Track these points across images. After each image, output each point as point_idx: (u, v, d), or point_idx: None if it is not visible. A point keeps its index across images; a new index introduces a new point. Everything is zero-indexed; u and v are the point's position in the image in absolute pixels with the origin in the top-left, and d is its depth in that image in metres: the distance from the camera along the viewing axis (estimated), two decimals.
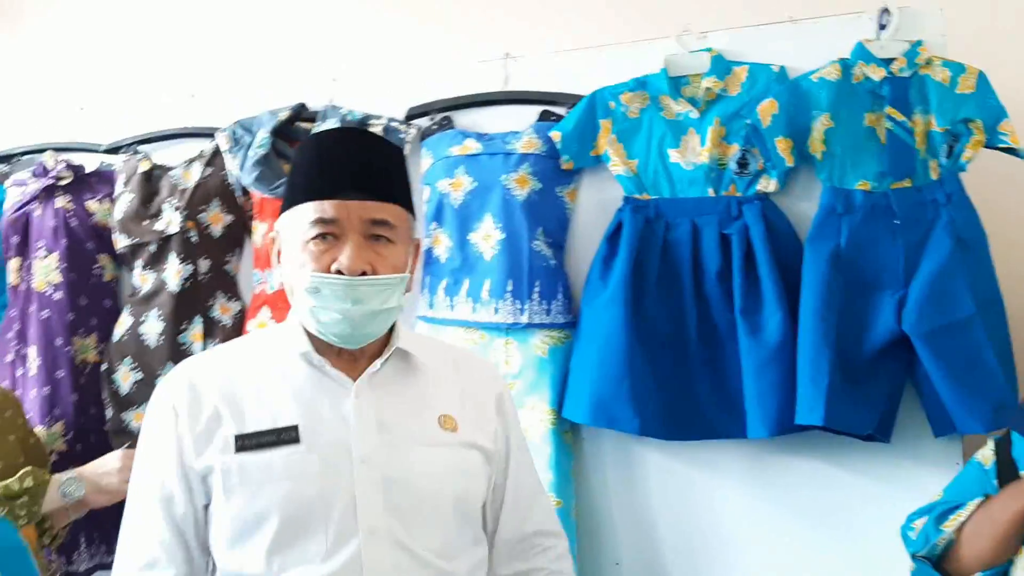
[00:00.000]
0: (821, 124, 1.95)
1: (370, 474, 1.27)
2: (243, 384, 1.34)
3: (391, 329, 1.39)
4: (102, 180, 2.72)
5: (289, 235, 1.32)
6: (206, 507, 1.30)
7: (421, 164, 2.31)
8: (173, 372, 1.38)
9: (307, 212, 1.28)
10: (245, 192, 2.52)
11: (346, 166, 1.29)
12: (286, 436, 1.28)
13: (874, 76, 1.91)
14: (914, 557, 1.58)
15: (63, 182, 2.67)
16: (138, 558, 1.29)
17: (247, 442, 1.27)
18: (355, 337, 1.31)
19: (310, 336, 1.35)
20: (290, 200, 1.32)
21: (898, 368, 1.91)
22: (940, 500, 1.62)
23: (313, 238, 1.28)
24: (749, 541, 2.07)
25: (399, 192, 1.33)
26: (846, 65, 1.94)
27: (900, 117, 1.90)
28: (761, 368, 1.95)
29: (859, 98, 1.93)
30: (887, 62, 1.93)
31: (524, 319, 2.12)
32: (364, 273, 1.26)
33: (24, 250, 2.71)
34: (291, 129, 2.44)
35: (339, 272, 1.26)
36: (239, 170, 2.43)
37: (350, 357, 1.35)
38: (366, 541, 1.24)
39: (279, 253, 1.37)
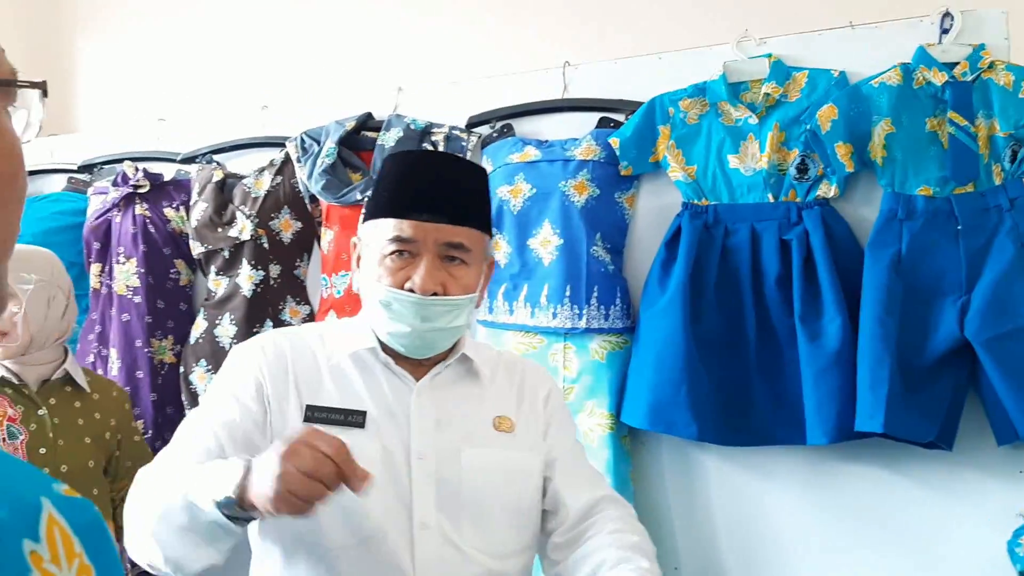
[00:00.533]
0: (882, 129, 1.93)
1: (425, 470, 1.31)
2: (319, 361, 1.38)
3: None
4: (179, 188, 2.83)
5: (369, 245, 1.37)
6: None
7: None
8: (261, 335, 1.42)
9: (387, 228, 1.33)
10: (313, 199, 2.59)
11: (428, 188, 1.33)
12: (353, 419, 1.31)
13: (936, 80, 1.90)
14: None
15: (142, 190, 2.78)
16: (181, 450, 1.30)
17: (316, 414, 1.31)
18: (421, 350, 1.36)
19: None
20: (373, 211, 1.37)
21: (960, 375, 1.89)
22: None
23: (390, 254, 1.32)
24: (808, 548, 2.06)
25: (477, 215, 1.36)
26: (907, 70, 1.93)
27: (962, 122, 1.88)
28: (820, 375, 1.95)
29: (921, 103, 1.92)
30: (949, 66, 1.91)
31: (582, 324, 2.15)
32: (435, 293, 1.30)
33: (105, 256, 2.83)
34: (357, 138, 2.51)
35: (411, 290, 1.30)
36: (307, 178, 2.50)
37: (415, 359, 1.39)
38: (419, 535, 1.27)
39: (359, 259, 1.41)
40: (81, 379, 2.05)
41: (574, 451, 1.48)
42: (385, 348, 1.38)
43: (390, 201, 1.35)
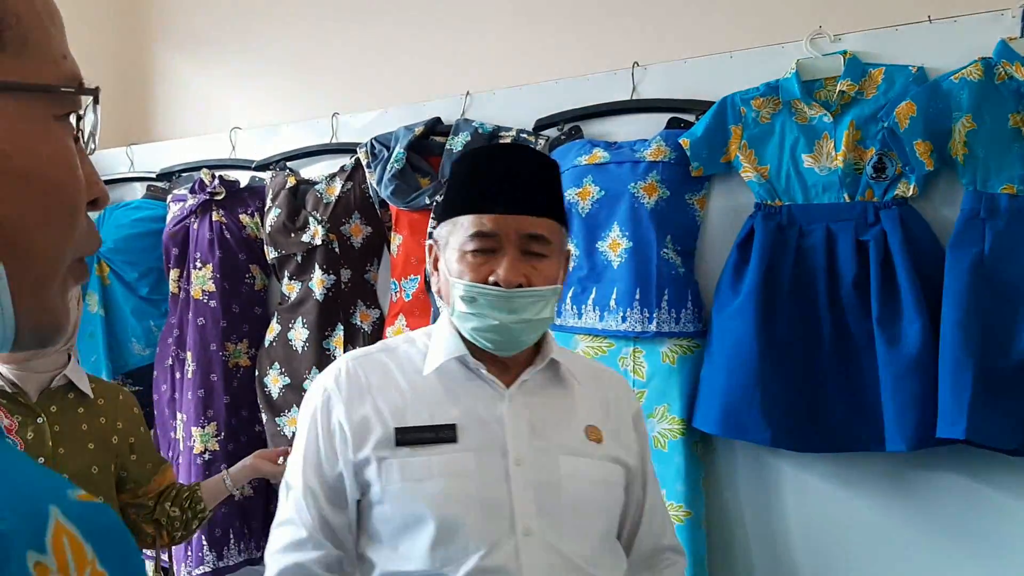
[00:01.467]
0: (963, 126, 1.87)
1: (524, 476, 1.31)
2: (401, 380, 1.38)
3: (541, 338, 1.42)
4: (253, 195, 2.88)
5: (447, 244, 1.37)
6: (359, 501, 1.35)
7: None
8: (333, 365, 1.43)
9: (466, 224, 1.33)
10: (383, 204, 2.61)
11: (505, 182, 1.33)
12: (444, 434, 1.31)
13: (1019, 75, 1.82)
14: None
15: (218, 197, 2.84)
16: (285, 539, 1.35)
17: (407, 436, 1.31)
18: (508, 345, 1.36)
19: (464, 340, 1.39)
20: (448, 211, 1.38)
21: None
22: None
23: (472, 250, 1.33)
24: (887, 559, 2.00)
25: (554, 206, 1.37)
26: (988, 64, 1.86)
27: None
28: (900, 379, 1.89)
29: (1003, 98, 1.85)
30: None
31: (652, 327, 2.12)
32: (520, 285, 1.31)
33: (183, 261, 2.90)
34: (426, 143, 2.53)
35: (496, 284, 1.30)
36: (377, 183, 2.53)
37: (502, 364, 1.39)
38: (523, 542, 1.27)
39: (435, 261, 1.42)
40: (84, 384, 2.00)
41: (655, 485, 1.50)
42: (473, 354, 1.38)
43: (467, 198, 1.35)
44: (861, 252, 1.97)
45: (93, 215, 0.66)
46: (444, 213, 1.39)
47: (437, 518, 1.27)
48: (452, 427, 1.32)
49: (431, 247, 1.43)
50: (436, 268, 1.42)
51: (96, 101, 0.62)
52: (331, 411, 1.36)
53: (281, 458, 2.27)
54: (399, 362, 1.41)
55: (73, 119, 0.61)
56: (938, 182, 1.96)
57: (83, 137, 0.62)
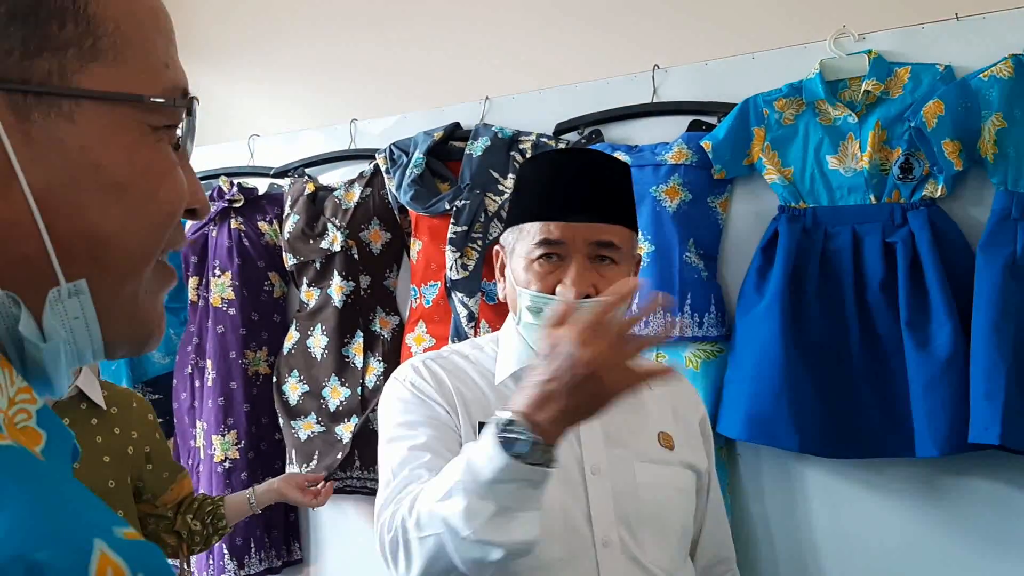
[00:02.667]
0: (993, 124, 1.83)
1: (602, 485, 1.27)
2: (473, 388, 1.35)
3: None
4: (272, 202, 2.88)
5: (513, 251, 1.33)
6: None
7: None
8: (411, 360, 1.40)
9: (533, 231, 1.30)
10: (403, 210, 2.60)
11: (574, 188, 1.30)
12: None
13: None
14: None
15: (237, 205, 2.83)
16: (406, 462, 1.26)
17: None
18: None
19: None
20: (516, 217, 1.34)
21: None
22: None
23: (538, 258, 1.29)
24: (917, 566, 1.96)
25: (625, 212, 1.33)
26: (1019, 61, 1.82)
27: None
28: (930, 383, 1.85)
29: None
30: None
31: (675, 332, 2.09)
32: (587, 295, 1.25)
33: (202, 269, 2.90)
34: (445, 148, 2.51)
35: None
36: (396, 189, 2.51)
37: None
38: (602, 553, 1.24)
39: (502, 267, 1.38)
40: (97, 395, 1.94)
41: (717, 492, 1.47)
42: None
43: (536, 204, 1.32)
44: (888, 254, 1.95)
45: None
46: (511, 219, 1.36)
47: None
48: None
49: (498, 253, 1.40)
50: (503, 275, 1.38)
51: (189, 112, 0.60)
52: (427, 389, 1.32)
53: (309, 484, 2.25)
54: (472, 365, 1.38)
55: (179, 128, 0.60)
56: (967, 182, 1.92)
57: (183, 145, 0.61)
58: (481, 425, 1.23)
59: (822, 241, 2.01)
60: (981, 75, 1.85)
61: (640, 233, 2.12)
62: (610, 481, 1.27)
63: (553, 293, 1.26)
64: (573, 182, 1.30)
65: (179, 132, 0.61)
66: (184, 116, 0.61)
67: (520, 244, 1.31)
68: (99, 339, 0.57)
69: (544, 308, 1.26)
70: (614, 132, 2.31)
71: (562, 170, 1.33)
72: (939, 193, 1.91)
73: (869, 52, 1.99)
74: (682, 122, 2.21)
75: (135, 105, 0.57)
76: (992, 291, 1.80)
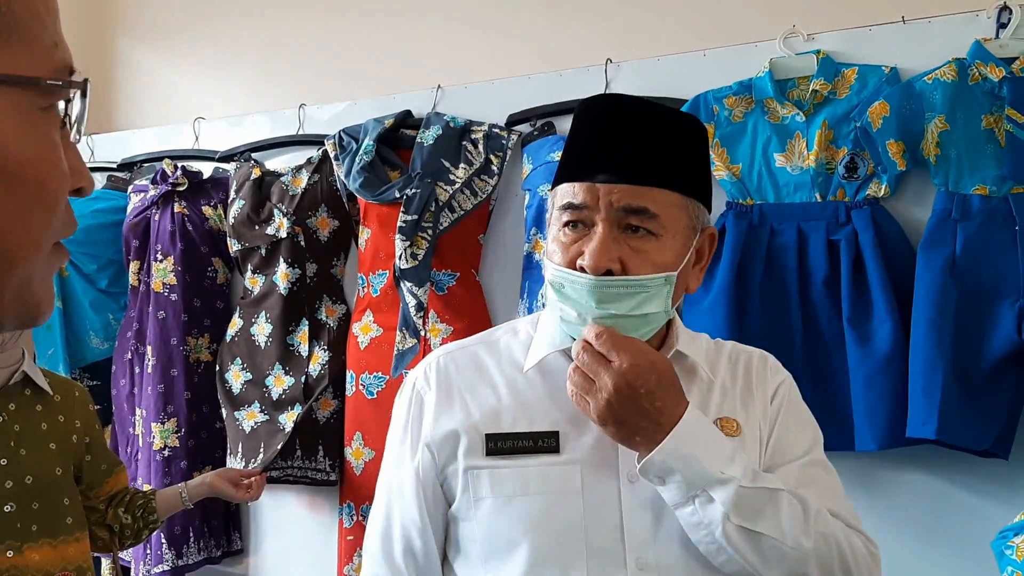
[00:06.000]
0: (936, 126, 1.87)
1: (639, 496, 1.09)
2: (497, 377, 1.18)
3: (667, 327, 1.18)
4: (217, 186, 2.83)
5: (551, 219, 1.15)
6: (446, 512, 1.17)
7: (522, 169, 2.32)
8: (428, 358, 1.23)
9: (561, 194, 1.12)
10: (351, 198, 2.57)
11: (605, 142, 1.09)
12: (544, 443, 1.11)
13: (993, 76, 1.83)
14: None
15: (180, 188, 2.78)
16: (374, 559, 1.20)
17: (500, 444, 1.11)
18: None
19: None
20: (556, 179, 1.16)
21: (1018, 381, 1.82)
22: None
23: (563, 225, 1.11)
24: None
25: (676, 174, 1.10)
26: (962, 65, 1.87)
27: (1021, 119, 1.81)
28: (870, 379, 1.89)
29: (976, 99, 1.85)
30: (1007, 62, 1.84)
31: None
32: (610, 272, 1.06)
33: (143, 253, 2.84)
34: (396, 136, 2.49)
35: (583, 269, 1.07)
36: (345, 176, 2.48)
37: None
38: None
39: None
40: (42, 380, 1.88)
41: (807, 464, 1.18)
42: None
43: (567, 162, 1.13)
44: (832, 252, 1.98)
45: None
46: (554, 181, 1.17)
47: (532, 544, 1.07)
48: (554, 434, 1.11)
49: (549, 220, 1.21)
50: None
51: (84, 93, 0.58)
52: (419, 414, 1.18)
53: (243, 479, 2.21)
54: (497, 356, 1.20)
55: (61, 104, 0.58)
56: (910, 182, 1.96)
57: (70, 123, 0.58)
58: (488, 438, 1.11)
59: (768, 238, 2.04)
60: (925, 78, 1.89)
61: None
62: (649, 491, 1.08)
63: (575, 267, 1.08)
64: (607, 135, 1.09)
65: (72, 113, 0.59)
66: (79, 98, 0.59)
67: (553, 209, 1.14)
68: None
69: (565, 285, 1.09)
70: (567, 124, 2.25)
71: (597, 122, 1.11)
72: (883, 193, 1.95)
73: (818, 52, 2.02)
74: None
75: (26, 88, 0.54)
76: (931, 289, 1.84)
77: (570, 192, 1.10)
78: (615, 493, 1.09)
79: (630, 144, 1.08)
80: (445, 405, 1.16)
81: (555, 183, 1.15)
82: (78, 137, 0.60)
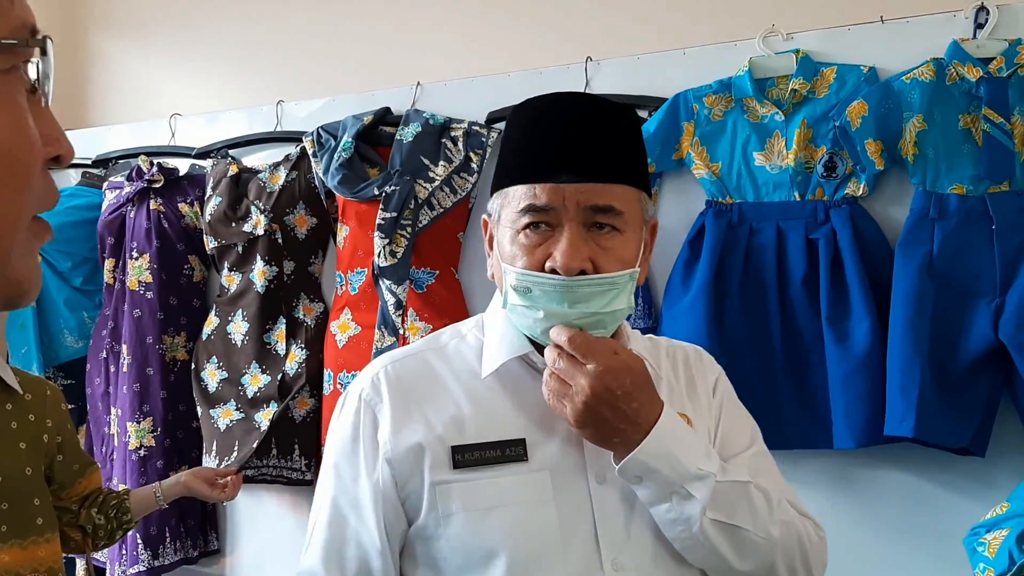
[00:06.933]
0: (914, 126, 1.88)
1: (609, 497, 1.09)
2: (454, 385, 1.14)
3: (616, 330, 1.17)
4: (193, 183, 2.80)
5: (499, 220, 1.13)
6: (407, 531, 1.11)
7: None
8: (372, 366, 1.17)
9: (518, 196, 1.09)
10: (329, 195, 2.56)
11: (564, 141, 1.07)
12: (512, 451, 1.08)
13: (970, 76, 1.84)
14: None
15: (156, 185, 2.75)
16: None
17: (467, 456, 1.08)
18: None
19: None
20: (500, 179, 1.14)
21: (994, 379, 1.84)
22: (1012, 512, 1.53)
23: (524, 228, 1.08)
24: (833, 556, 2.00)
25: (630, 169, 1.10)
26: (940, 65, 1.88)
27: (998, 119, 1.83)
28: (848, 377, 1.90)
29: (954, 99, 1.87)
30: (984, 62, 1.86)
31: None
32: (583, 272, 1.06)
33: (118, 251, 2.81)
34: (375, 133, 2.47)
35: (554, 271, 1.06)
36: (324, 173, 2.47)
37: None
38: None
39: (491, 239, 1.18)
40: (12, 379, 1.82)
41: (755, 455, 1.20)
42: (540, 350, 1.13)
43: (520, 162, 1.10)
44: (811, 250, 1.99)
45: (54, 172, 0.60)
46: (496, 181, 1.15)
47: (510, 554, 1.04)
48: (521, 442, 1.09)
49: (486, 223, 1.19)
50: (492, 248, 1.17)
51: (44, 51, 0.56)
52: (371, 428, 1.12)
53: (219, 479, 2.19)
54: (449, 363, 1.16)
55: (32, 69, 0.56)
56: (888, 181, 1.97)
57: (40, 88, 0.56)
58: (454, 450, 1.08)
59: (747, 236, 2.05)
60: (904, 77, 1.90)
61: None
62: (619, 490, 1.08)
63: (543, 269, 1.06)
64: (563, 134, 1.08)
65: (33, 75, 0.56)
66: (40, 56, 0.56)
67: (505, 211, 1.11)
68: None
69: (533, 288, 1.07)
70: None
71: (551, 121, 1.09)
72: (861, 192, 1.96)
73: (797, 51, 2.03)
74: None
75: None
76: (909, 288, 1.85)
77: (531, 194, 1.08)
78: (586, 496, 1.08)
79: (587, 142, 1.08)
80: (403, 417, 1.11)
81: (502, 185, 1.13)
82: (46, 101, 0.56)
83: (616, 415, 1.04)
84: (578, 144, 1.08)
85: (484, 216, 1.21)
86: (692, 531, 1.05)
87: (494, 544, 1.05)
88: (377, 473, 1.10)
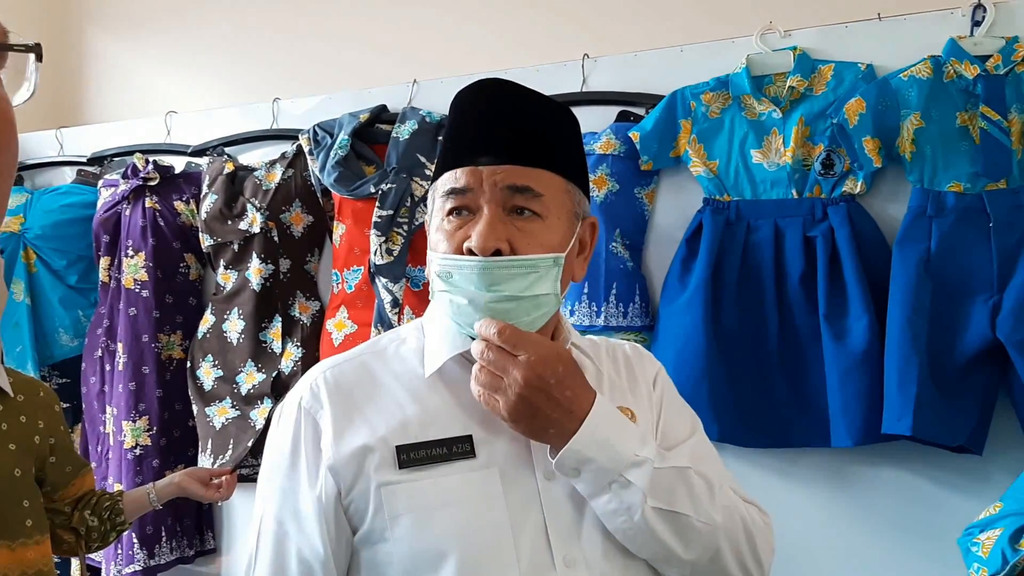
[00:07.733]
0: (911, 123, 1.88)
1: (557, 492, 1.07)
2: (396, 387, 1.12)
3: (555, 324, 1.16)
4: (189, 181, 2.80)
5: (432, 213, 1.12)
6: (352, 538, 1.08)
7: None
8: (310, 374, 1.14)
9: (442, 182, 1.09)
10: (326, 193, 2.55)
11: (485, 125, 1.08)
12: (459, 449, 1.06)
13: (967, 74, 1.84)
14: None
15: (152, 183, 2.75)
16: None
17: (413, 455, 1.05)
18: None
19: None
20: (434, 174, 1.13)
21: (991, 377, 1.84)
22: (1005, 512, 1.53)
23: (448, 214, 1.08)
24: (831, 554, 2.01)
25: (554, 156, 1.08)
26: (938, 63, 1.88)
27: (995, 116, 1.82)
28: (846, 375, 1.90)
29: (951, 97, 1.86)
30: (981, 59, 1.85)
31: (600, 321, 2.10)
32: (499, 252, 1.04)
33: (114, 249, 2.80)
34: (371, 131, 2.47)
35: (471, 252, 1.04)
36: (320, 171, 2.46)
37: None
38: (565, 575, 1.04)
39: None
40: (3, 380, 1.80)
41: (695, 444, 1.19)
42: None
43: (445, 151, 1.10)
44: (808, 248, 1.98)
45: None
46: (432, 178, 1.14)
47: (460, 555, 1.02)
48: (467, 438, 1.07)
49: (429, 215, 1.17)
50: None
51: (39, 58, 0.56)
52: (312, 433, 1.08)
53: (213, 479, 2.18)
54: (389, 365, 1.14)
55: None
56: (886, 179, 1.97)
57: None
58: (399, 450, 1.05)
59: (744, 234, 2.04)
60: (901, 75, 1.89)
61: None
62: (567, 486, 1.07)
63: (462, 252, 1.05)
64: (486, 118, 1.08)
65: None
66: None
67: (433, 203, 1.11)
68: None
69: (453, 272, 1.06)
70: None
71: (475, 105, 1.10)
72: (858, 189, 1.95)
73: (794, 49, 2.03)
74: (610, 112, 2.21)
75: None
76: (907, 286, 1.85)
77: (452, 179, 1.07)
78: (535, 493, 1.07)
79: (510, 126, 1.07)
80: (344, 423, 1.08)
81: (435, 177, 1.12)
82: (20, 101, 0.56)
83: (550, 404, 1.03)
84: (498, 127, 1.07)
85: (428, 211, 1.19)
86: (634, 520, 1.04)
87: (443, 545, 1.03)
88: (319, 483, 1.06)
